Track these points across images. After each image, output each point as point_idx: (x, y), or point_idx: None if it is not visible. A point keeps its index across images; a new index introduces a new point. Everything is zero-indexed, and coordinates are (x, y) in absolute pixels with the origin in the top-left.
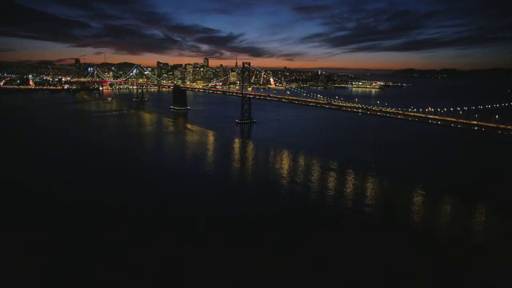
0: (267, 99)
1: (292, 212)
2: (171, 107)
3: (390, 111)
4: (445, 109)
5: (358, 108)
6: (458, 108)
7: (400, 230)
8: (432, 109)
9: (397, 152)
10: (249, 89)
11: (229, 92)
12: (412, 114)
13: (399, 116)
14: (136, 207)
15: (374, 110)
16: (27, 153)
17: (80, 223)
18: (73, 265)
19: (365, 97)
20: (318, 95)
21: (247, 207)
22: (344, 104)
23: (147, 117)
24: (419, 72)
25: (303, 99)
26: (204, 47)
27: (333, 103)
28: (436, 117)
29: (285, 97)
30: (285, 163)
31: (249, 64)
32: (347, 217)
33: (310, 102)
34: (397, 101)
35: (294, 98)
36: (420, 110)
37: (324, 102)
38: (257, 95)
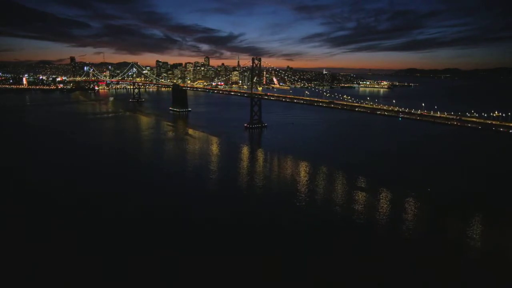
0: (286, 100)
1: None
2: (171, 108)
3: (447, 116)
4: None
5: (398, 112)
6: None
7: None
8: (489, 113)
9: (450, 168)
10: (260, 88)
11: (236, 91)
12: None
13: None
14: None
15: (422, 116)
16: None
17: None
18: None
19: (376, 97)
20: (345, 96)
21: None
22: (379, 106)
23: (144, 120)
24: (421, 71)
25: (326, 100)
26: (204, 47)
27: (365, 105)
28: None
29: (304, 98)
30: (307, 179)
31: (259, 60)
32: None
33: (345, 104)
34: (415, 102)
35: (315, 99)
36: (460, 113)
37: (358, 105)
38: (270, 95)
